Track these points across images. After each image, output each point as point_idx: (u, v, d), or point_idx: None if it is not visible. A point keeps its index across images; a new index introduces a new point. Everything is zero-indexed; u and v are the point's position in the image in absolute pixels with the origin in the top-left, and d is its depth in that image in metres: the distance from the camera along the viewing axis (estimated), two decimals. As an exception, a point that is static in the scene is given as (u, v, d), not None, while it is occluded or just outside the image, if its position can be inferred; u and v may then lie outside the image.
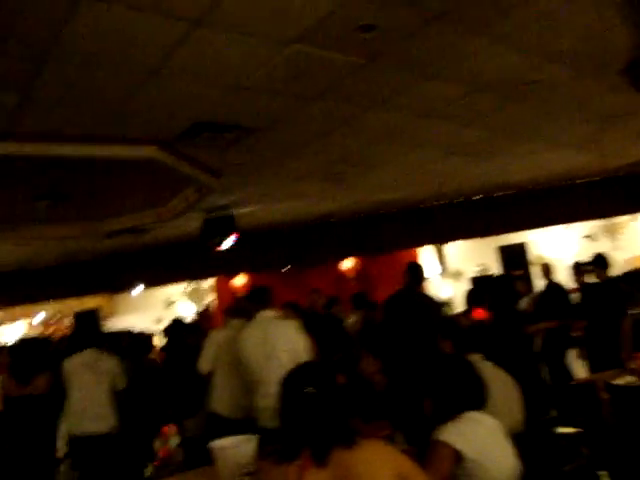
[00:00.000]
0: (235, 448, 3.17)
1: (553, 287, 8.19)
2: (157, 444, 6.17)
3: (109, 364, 5.88)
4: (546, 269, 8.50)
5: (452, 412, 2.57)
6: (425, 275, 6.33)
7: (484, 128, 6.37)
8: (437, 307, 6.04)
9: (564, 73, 5.00)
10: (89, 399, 5.68)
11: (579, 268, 7.52)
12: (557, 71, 4.93)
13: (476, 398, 2.64)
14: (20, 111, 4.24)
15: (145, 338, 7.89)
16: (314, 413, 2.00)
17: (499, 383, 3.12)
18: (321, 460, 1.91)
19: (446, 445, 2.41)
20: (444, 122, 5.94)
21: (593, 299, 6.62)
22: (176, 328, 6.25)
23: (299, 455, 1.93)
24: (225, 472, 3.07)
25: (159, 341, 10.04)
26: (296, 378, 2.13)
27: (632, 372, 4.52)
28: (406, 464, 2.01)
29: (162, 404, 6.97)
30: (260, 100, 4.72)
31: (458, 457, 2.40)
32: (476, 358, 3.23)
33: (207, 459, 3.85)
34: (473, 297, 7.32)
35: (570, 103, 5.88)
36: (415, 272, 6.14)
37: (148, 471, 2.69)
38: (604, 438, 3.52)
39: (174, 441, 7.72)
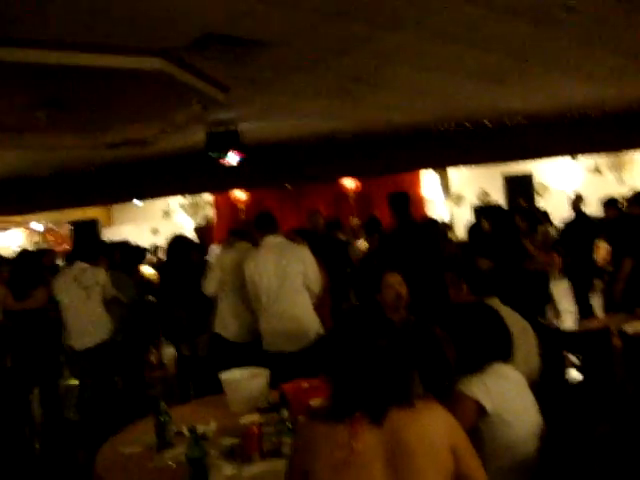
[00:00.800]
0: (247, 381, 3.13)
1: (582, 219, 7.87)
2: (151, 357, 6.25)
3: (95, 276, 5.69)
4: (576, 201, 8.16)
5: (477, 364, 2.46)
6: (412, 203, 5.92)
7: (506, 53, 6.11)
8: (445, 240, 5.84)
9: (605, 1, 4.71)
10: (81, 314, 5.57)
11: (611, 203, 7.15)
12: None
13: (502, 350, 2.52)
14: (21, 16, 3.98)
15: (138, 250, 7.83)
16: (379, 368, 1.81)
17: (517, 329, 2.96)
18: (377, 420, 1.76)
19: (470, 398, 2.34)
20: (466, 46, 5.68)
21: (620, 234, 6.37)
22: (179, 245, 6.12)
23: (351, 414, 1.77)
24: (237, 405, 3.04)
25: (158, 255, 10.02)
26: (363, 328, 1.88)
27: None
28: (460, 435, 1.89)
29: (158, 320, 6.98)
30: (276, 13, 4.46)
31: (482, 412, 2.33)
32: (494, 302, 3.10)
33: (209, 380, 3.85)
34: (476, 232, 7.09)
35: (602, 34, 5.59)
36: (400, 204, 5.74)
37: (163, 406, 2.64)
38: (612, 389, 3.48)
39: (168, 355, 7.83)
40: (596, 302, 6.82)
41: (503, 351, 2.53)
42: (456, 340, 2.54)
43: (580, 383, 3.02)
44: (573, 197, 8.33)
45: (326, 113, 8.44)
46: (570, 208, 8.18)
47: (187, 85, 5.80)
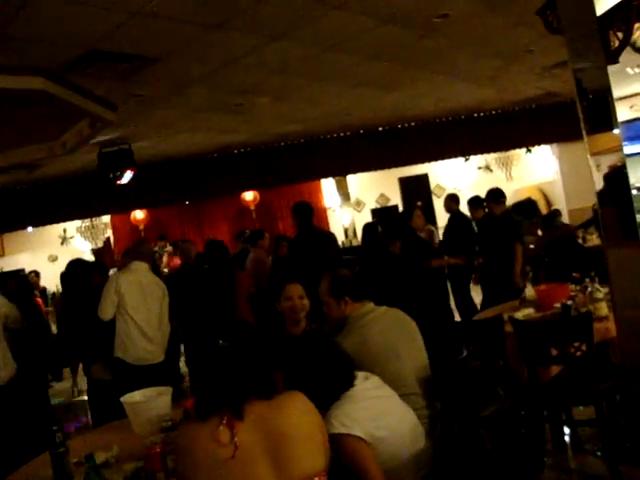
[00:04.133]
0: (148, 401, 3.05)
1: (458, 218, 7.83)
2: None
3: None
4: (451, 199, 7.98)
5: (329, 399, 2.31)
6: (313, 211, 6.01)
7: (391, 61, 6.31)
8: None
9: (475, 8, 4.96)
10: None
11: (476, 202, 7.20)
12: (468, 5, 4.89)
13: (344, 379, 2.37)
14: None
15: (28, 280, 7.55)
16: (228, 365, 1.89)
17: (397, 327, 2.96)
18: (239, 413, 1.78)
19: (351, 436, 2.19)
20: (351, 55, 5.82)
21: (487, 232, 6.56)
22: (77, 269, 5.87)
23: (217, 410, 1.80)
24: (140, 427, 2.96)
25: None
26: (213, 332, 1.99)
27: (529, 303, 4.73)
28: (323, 425, 1.96)
29: (60, 349, 6.69)
30: (161, 28, 4.44)
31: (365, 442, 2.22)
32: (368, 308, 3.00)
33: (114, 405, 3.73)
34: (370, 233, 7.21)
35: (478, 38, 5.89)
36: (302, 213, 5.87)
37: (58, 437, 2.52)
38: (506, 372, 3.64)
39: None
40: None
41: (345, 380, 2.40)
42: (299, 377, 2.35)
43: (476, 369, 3.12)
44: (445, 197, 8.14)
45: (220, 126, 8.40)
46: (445, 208, 8.11)
47: (73, 105, 5.61)
